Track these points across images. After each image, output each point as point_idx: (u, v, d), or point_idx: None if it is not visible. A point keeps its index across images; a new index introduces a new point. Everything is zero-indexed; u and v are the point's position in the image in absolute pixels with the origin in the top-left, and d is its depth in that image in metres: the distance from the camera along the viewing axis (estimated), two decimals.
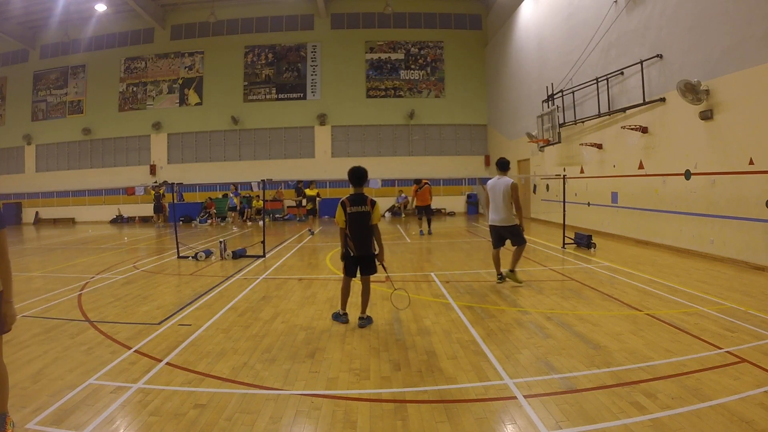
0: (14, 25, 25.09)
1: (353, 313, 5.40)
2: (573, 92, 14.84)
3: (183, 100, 25.33)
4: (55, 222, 24.71)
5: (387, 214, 21.94)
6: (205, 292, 6.97)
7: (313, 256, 10.69)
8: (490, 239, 7.42)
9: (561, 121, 15.68)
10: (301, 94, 24.91)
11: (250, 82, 25.12)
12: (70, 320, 5.66)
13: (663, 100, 10.72)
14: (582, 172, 14.88)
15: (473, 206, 22.86)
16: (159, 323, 5.42)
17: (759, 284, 6.89)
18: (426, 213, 14.99)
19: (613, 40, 12.80)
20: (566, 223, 11.93)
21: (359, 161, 26.17)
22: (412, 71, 25.01)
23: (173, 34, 25.61)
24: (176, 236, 10.64)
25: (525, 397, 3.42)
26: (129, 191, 23.47)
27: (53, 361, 4.28)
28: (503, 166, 7.29)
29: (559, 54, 16.41)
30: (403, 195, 22.75)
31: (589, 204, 14.40)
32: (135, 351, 4.48)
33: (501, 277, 7.26)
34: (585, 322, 5.22)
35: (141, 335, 4.98)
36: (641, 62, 11.23)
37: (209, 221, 20.62)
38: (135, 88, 25.75)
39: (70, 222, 24.79)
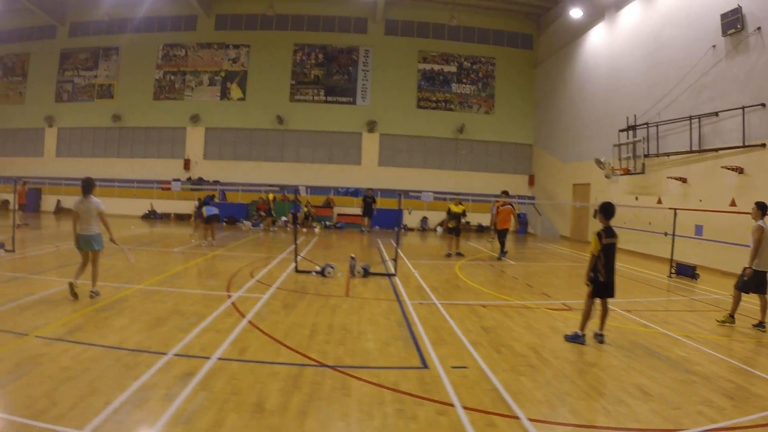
0: None
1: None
2: (657, 126, 15.07)
3: (225, 94, 24.26)
4: None
5: (439, 229, 21.31)
6: (407, 323, 6.22)
7: (442, 272, 10.34)
8: (740, 285, 6.62)
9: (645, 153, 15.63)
10: (351, 99, 24.19)
11: (298, 81, 24.26)
12: (302, 365, 4.55)
13: (764, 145, 11.06)
14: (659, 202, 14.88)
15: (522, 225, 22.40)
16: (423, 367, 4.69)
17: None
18: (500, 236, 14.38)
19: (707, 82, 13.09)
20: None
21: (405, 172, 25.35)
22: (463, 85, 24.62)
23: (218, 24, 24.57)
24: (296, 248, 9.77)
25: None
26: (164, 186, 22.20)
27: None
28: None
29: (637, 86, 16.48)
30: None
31: (666, 234, 14.32)
32: (466, 408, 3.76)
33: (761, 325, 6.51)
34: None
35: (425, 384, 4.22)
36: (743, 108, 11.57)
37: (263, 225, 19.35)
38: (173, 77, 24.54)
39: None
